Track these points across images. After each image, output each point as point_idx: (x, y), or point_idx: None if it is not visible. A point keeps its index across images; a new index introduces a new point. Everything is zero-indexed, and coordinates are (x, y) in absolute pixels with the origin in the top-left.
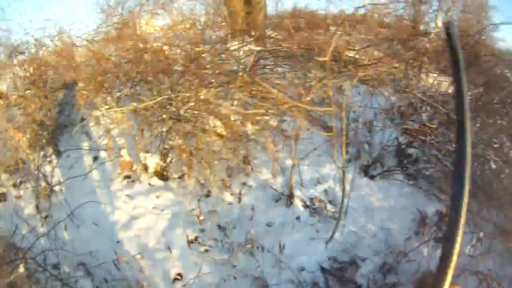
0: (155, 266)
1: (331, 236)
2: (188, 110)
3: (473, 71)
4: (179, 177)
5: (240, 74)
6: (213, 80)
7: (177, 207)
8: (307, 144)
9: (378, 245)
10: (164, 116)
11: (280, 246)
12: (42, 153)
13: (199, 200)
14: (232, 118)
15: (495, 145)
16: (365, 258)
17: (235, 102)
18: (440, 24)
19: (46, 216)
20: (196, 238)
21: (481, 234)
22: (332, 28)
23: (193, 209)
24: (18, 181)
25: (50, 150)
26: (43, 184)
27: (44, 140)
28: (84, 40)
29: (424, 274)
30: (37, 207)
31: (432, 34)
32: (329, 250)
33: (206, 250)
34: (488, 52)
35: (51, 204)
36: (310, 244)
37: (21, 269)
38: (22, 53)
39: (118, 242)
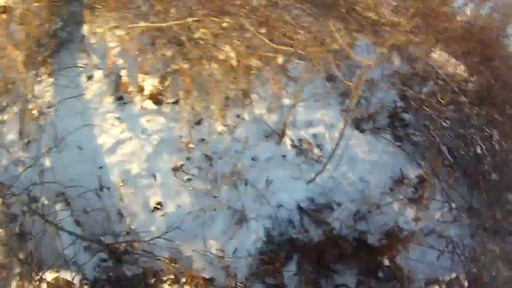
0: (136, 194)
1: (314, 178)
2: (202, 37)
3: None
4: (173, 102)
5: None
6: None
7: (166, 133)
8: (308, 88)
9: (354, 194)
10: (181, 38)
11: (267, 181)
12: (34, 72)
13: (192, 127)
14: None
15: (486, 133)
16: (340, 204)
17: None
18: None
19: (29, 142)
20: (181, 166)
21: (453, 205)
22: None
23: (182, 136)
24: (3, 104)
25: (43, 69)
26: (31, 106)
27: (40, 58)
28: None
29: (392, 227)
30: (20, 132)
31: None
32: (309, 191)
33: (189, 179)
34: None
35: (40, 126)
36: (292, 183)
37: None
38: None
39: (101, 167)
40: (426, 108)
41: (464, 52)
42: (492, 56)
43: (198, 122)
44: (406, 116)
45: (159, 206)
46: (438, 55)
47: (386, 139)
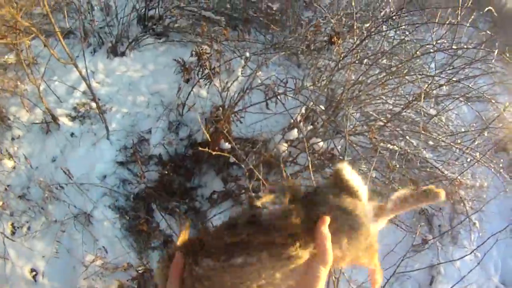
0: None
1: (107, 130)
2: None
3: None
4: None
5: None
6: None
7: None
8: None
9: (156, 111)
10: None
11: (65, 173)
12: None
13: None
14: None
15: None
16: (150, 129)
17: None
18: None
19: None
20: None
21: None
22: None
23: None
24: None
25: None
26: None
27: None
28: None
29: (211, 109)
30: None
31: None
32: (114, 143)
33: None
34: None
35: None
36: (95, 150)
37: None
38: None
39: None
40: None
41: None
42: None
43: None
44: (153, 12)
45: None
46: None
47: (150, 43)
